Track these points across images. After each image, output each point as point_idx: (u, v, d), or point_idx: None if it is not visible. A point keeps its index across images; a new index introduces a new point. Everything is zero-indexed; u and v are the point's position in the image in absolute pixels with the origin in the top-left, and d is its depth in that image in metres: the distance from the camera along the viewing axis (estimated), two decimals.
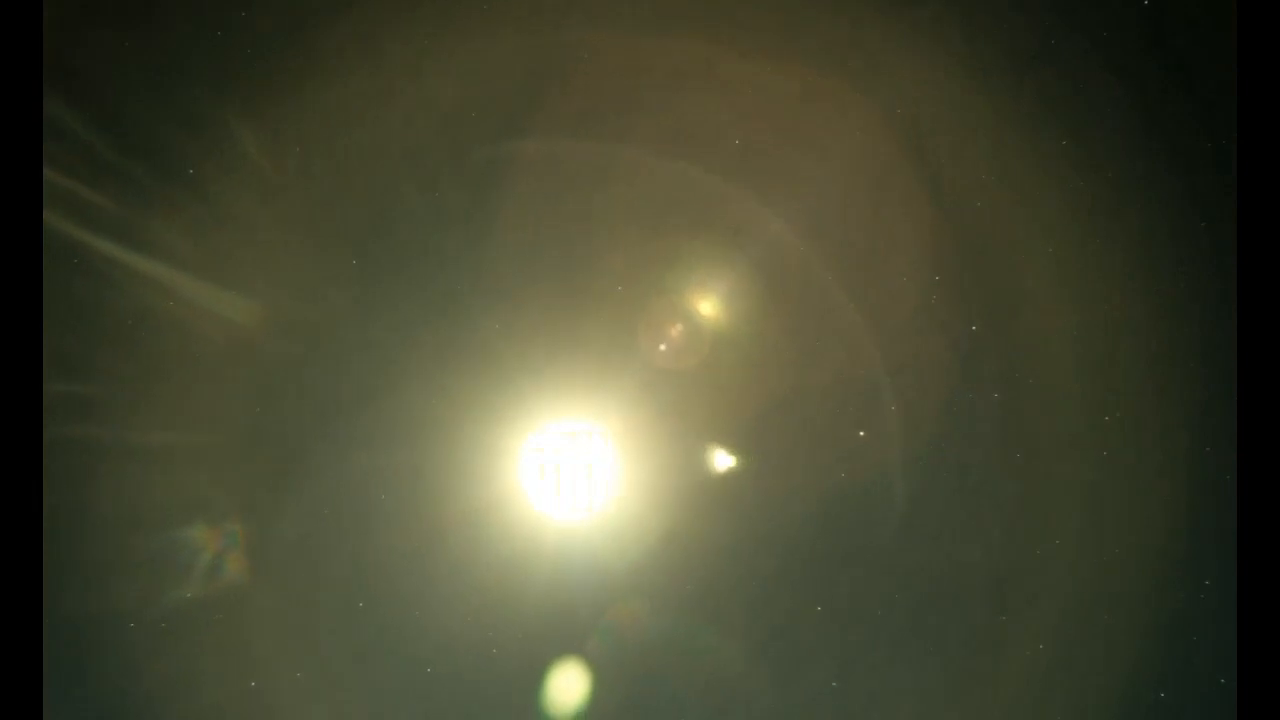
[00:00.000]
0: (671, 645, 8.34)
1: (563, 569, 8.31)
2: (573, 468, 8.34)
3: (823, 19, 8.10)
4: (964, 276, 8.36)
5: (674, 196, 8.31)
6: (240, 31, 7.94)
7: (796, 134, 8.32)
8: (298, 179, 8.10)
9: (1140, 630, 8.15)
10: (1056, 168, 8.17)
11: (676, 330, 8.32)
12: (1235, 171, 4.93)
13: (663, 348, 8.29)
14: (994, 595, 8.40)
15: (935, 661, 8.42)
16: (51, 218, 7.60)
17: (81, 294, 7.77)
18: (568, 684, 8.17)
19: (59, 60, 7.57)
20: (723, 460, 8.34)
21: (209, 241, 7.99)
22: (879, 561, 8.46)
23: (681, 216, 8.35)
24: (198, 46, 7.96)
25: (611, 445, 8.37)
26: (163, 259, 7.86)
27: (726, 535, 8.39)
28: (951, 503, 8.44)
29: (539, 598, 8.21)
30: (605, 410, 8.34)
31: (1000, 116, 8.14)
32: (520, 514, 8.33)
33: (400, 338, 8.25)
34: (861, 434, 8.41)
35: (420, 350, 8.26)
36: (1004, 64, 8.03)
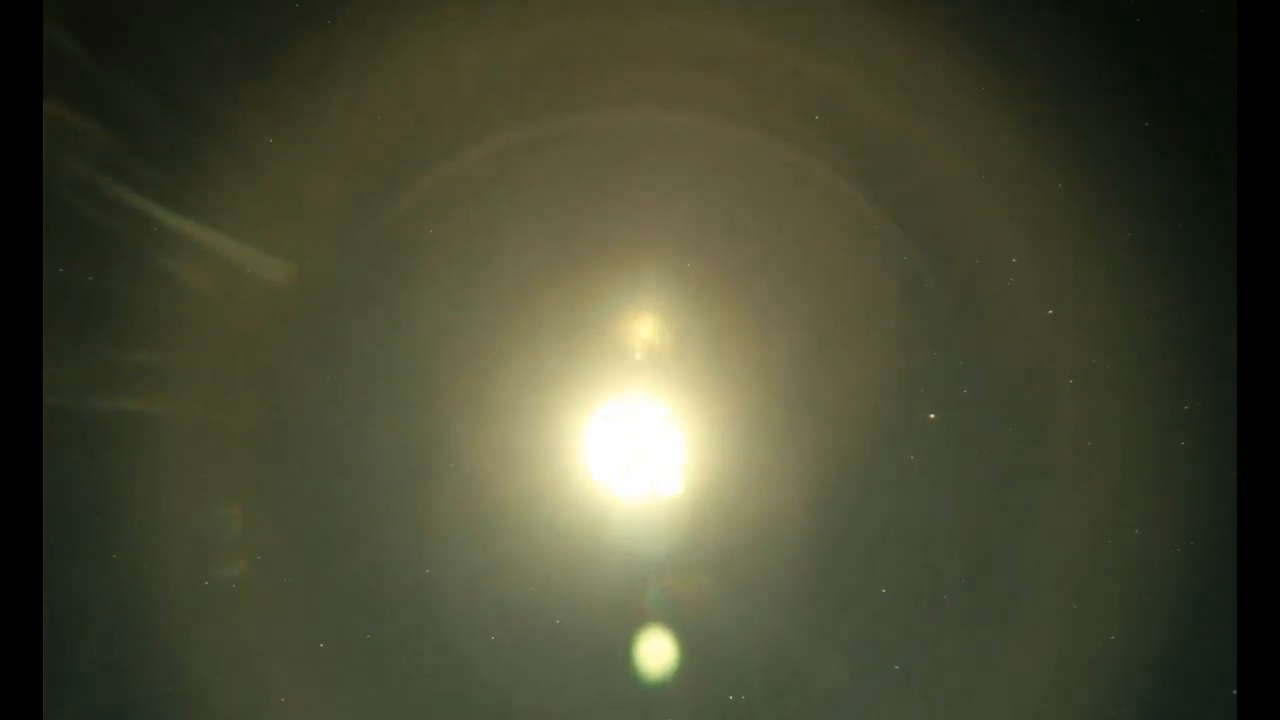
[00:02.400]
0: (734, 623, 8.42)
1: (626, 543, 8.40)
2: (637, 445, 8.43)
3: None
4: (1039, 261, 8.26)
5: (740, 168, 8.39)
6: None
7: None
8: (363, 150, 8.27)
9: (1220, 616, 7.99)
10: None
11: (745, 309, 8.39)
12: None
13: (729, 327, 8.36)
14: (1069, 582, 8.29)
15: (1003, 646, 8.35)
16: (112, 188, 7.78)
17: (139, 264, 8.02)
18: (629, 655, 8.28)
19: (116, 25, 7.89)
20: (788, 439, 8.39)
21: (278, 212, 8.22)
22: (946, 544, 8.41)
23: (751, 191, 8.40)
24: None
25: (677, 424, 8.44)
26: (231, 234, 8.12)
27: (792, 514, 8.38)
28: (1025, 487, 8.35)
29: (603, 570, 8.33)
30: (671, 389, 8.41)
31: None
32: (585, 489, 8.44)
33: (472, 315, 8.40)
34: (932, 416, 8.38)
35: (493, 326, 8.39)
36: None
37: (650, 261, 8.36)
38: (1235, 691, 7.78)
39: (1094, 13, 7.85)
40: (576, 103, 8.33)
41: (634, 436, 8.46)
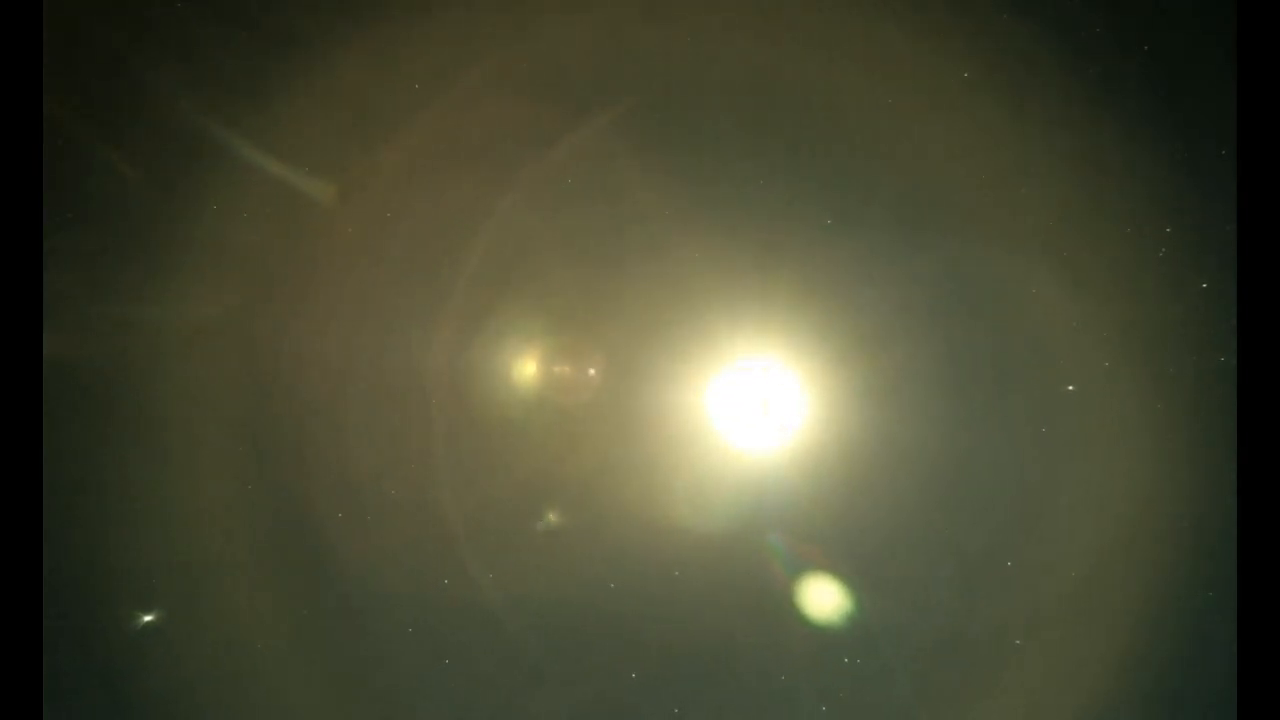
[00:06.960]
0: (853, 585, 8.38)
1: (745, 496, 8.45)
2: (758, 398, 8.41)
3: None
4: (1191, 231, 7.86)
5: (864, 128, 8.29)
6: None
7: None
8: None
9: None
10: None
11: (874, 272, 8.27)
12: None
13: (858, 286, 8.28)
14: (1183, 569, 8.02)
15: (1136, 619, 8.13)
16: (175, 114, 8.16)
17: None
18: (745, 610, 8.40)
19: None
20: (913, 408, 8.26)
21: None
22: (1078, 519, 8.20)
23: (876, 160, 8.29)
24: None
25: (799, 382, 8.38)
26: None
27: (921, 478, 8.33)
28: (1175, 465, 8.02)
29: (720, 524, 8.40)
30: (795, 345, 8.37)
31: None
32: (704, 444, 8.47)
33: (598, 271, 8.54)
34: (1070, 388, 8.10)
35: (614, 283, 8.53)
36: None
37: (783, 216, 8.32)
38: None
39: None
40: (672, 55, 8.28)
41: (756, 390, 8.43)
